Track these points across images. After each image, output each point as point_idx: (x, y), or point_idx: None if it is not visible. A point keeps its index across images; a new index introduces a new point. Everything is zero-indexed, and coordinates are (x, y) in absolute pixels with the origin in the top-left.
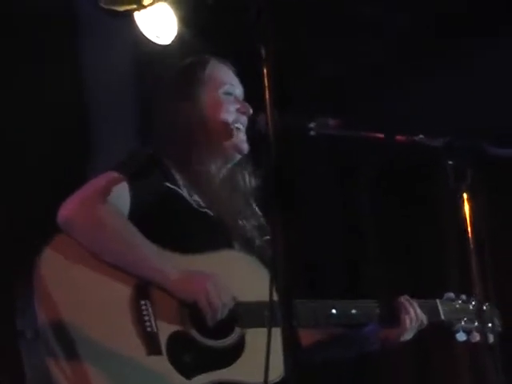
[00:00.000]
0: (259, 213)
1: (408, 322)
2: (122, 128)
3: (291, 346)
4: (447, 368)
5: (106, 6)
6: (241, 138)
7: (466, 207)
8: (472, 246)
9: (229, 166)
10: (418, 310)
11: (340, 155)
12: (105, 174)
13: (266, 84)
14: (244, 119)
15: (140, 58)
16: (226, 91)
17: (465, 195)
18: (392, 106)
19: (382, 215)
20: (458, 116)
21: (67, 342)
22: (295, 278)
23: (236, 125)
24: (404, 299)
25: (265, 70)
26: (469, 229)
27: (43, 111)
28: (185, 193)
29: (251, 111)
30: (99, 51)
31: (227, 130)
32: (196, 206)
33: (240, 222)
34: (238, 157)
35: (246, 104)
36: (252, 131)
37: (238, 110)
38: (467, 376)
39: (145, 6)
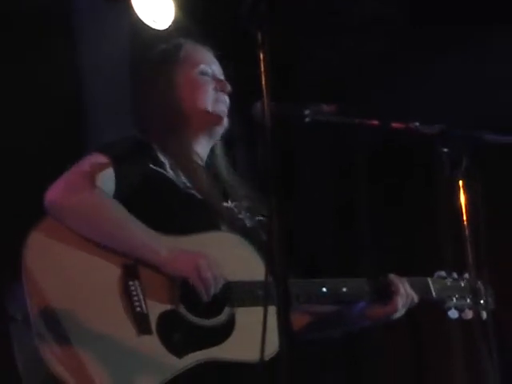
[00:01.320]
0: (252, 193)
1: (398, 299)
2: (118, 114)
3: (286, 323)
4: (440, 345)
5: None
6: (220, 111)
7: (462, 194)
8: (466, 229)
9: (212, 141)
10: (408, 288)
11: (334, 139)
12: (90, 155)
13: (262, 70)
14: (223, 97)
15: (137, 43)
16: (201, 71)
17: (460, 182)
18: (389, 93)
19: (376, 198)
20: (454, 104)
21: (56, 327)
22: (289, 259)
23: (219, 102)
24: (393, 277)
25: (261, 56)
26: (464, 216)
27: (39, 99)
28: (171, 174)
29: (229, 88)
30: (96, 37)
31: (204, 106)
32: (183, 187)
33: (226, 204)
34: (221, 130)
35: (224, 81)
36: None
37: (214, 89)
38: (460, 353)
39: None
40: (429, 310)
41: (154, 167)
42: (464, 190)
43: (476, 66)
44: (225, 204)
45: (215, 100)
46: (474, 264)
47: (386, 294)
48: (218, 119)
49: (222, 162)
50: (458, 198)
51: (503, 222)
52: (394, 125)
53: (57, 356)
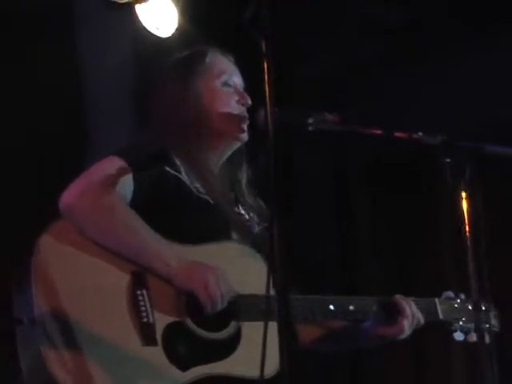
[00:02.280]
0: (260, 201)
1: (404, 320)
2: (119, 119)
3: (287, 340)
4: (443, 367)
5: None
6: (239, 126)
7: (464, 205)
8: (469, 244)
9: (229, 153)
10: (415, 309)
11: (336, 149)
12: (109, 159)
13: (266, 78)
14: (243, 110)
15: (140, 49)
16: (224, 82)
17: (463, 193)
18: (391, 102)
19: (379, 212)
20: (457, 114)
21: (66, 329)
22: (292, 274)
23: (240, 114)
24: (400, 298)
25: (265, 65)
26: (466, 227)
27: (42, 102)
28: (185, 179)
29: (250, 102)
30: (99, 43)
31: (225, 119)
32: (196, 192)
33: (237, 210)
34: (238, 144)
35: (246, 95)
36: (251, 125)
37: (237, 102)
38: (462, 375)
39: None
40: (433, 330)
41: (171, 170)
42: (466, 201)
43: (477, 74)
44: (236, 209)
45: (235, 113)
46: (476, 283)
47: (392, 315)
48: (236, 135)
49: (236, 170)
50: (460, 209)
51: (505, 234)
52: (397, 134)
53: (62, 360)
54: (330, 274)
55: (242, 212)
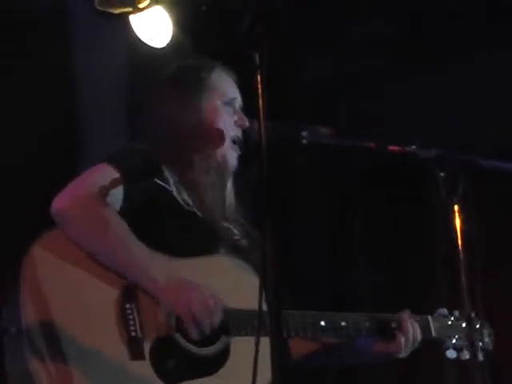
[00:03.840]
0: (242, 220)
1: (402, 338)
2: (112, 129)
3: (279, 355)
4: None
5: (101, 8)
6: (233, 155)
7: (457, 219)
8: (462, 258)
9: (217, 178)
10: (415, 326)
11: (330, 164)
12: (102, 167)
13: (260, 92)
14: (239, 133)
15: (133, 60)
16: (226, 102)
17: (456, 207)
18: (385, 116)
19: (372, 227)
20: (451, 128)
21: (54, 341)
22: (284, 288)
23: (235, 138)
24: (407, 316)
25: (258, 78)
26: (459, 241)
27: (34, 110)
28: (174, 191)
29: (247, 124)
30: (93, 53)
31: (221, 137)
32: (184, 205)
33: (225, 225)
34: (227, 172)
35: (244, 117)
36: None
37: (235, 123)
38: None
39: (140, 9)
40: (425, 347)
41: (160, 182)
42: (459, 214)
43: (469, 87)
44: (224, 224)
45: (232, 135)
46: (469, 300)
47: (389, 332)
48: (227, 164)
49: (224, 185)
50: (454, 223)
51: (498, 248)
52: (391, 148)
53: (48, 372)
54: (322, 286)
55: (230, 227)
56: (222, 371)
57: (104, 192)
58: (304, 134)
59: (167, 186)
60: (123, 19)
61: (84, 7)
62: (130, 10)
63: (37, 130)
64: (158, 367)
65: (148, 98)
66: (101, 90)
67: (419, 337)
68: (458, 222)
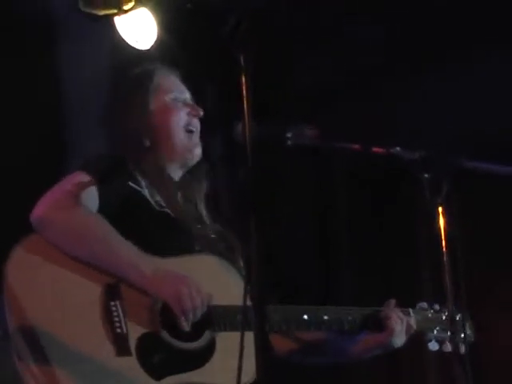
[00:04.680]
0: (218, 226)
1: (392, 324)
2: (97, 130)
3: (263, 350)
4: (417, 377)
5: (85, 10)
6: (194, 142)
7: (441, 220)
8: (446, 257)
9: (184, 170)
10: (402, 315)
11: (315, 162)
12: (73, 174)
13: (244, 92)
14: (196, 122)
15: (118, 62)
16: (173, 97)
17: (440, 208)
18: (370, 117)
19: (356, 224)
20: (435, 130)
21: (35, 346)
22: (269, 284)
23: (189, 127)
24: (393, 305)
25: (243, 79)
26: (443, 241)
27: (20, 111)
28: (147, 193)
29: (201, 113)
30: (78, 55)
31: (178, 133)
32: (157, 207)
33: (199, 226)
34: (193, 162)
35: (196, 106)
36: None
37: (188, 114)
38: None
39: (125, 11)
40: (408, 341)
41: (133, 185)
42: (443, 215)
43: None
44: (198, 226)
45: (188, 125)
46: (452, 294)
47: (377, 325)
48: (189, 151)
49: (195, 188)
50: (438, 224)
51: (481, 248)
52: (375, 149)
53: (33, 374)
54: (308, 284)
55: (204, 228)
56: (208, 365)
57: (77, 193)
58: (289, 135)
59: (140, 189)
60: (108, 21)
61: (69, 9)
62: (115, 11)
63: (22, 130)
64: (145, 362)
65: (112, 107)
66: (87, 91)
67: (414, 324)
68: (441, 222)
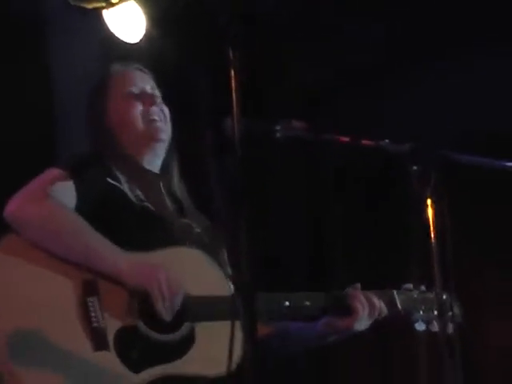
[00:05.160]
0: (200, 214)
1: (359, 308)
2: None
3: (251, 339)
4: (407, 358)
5: (74, 3)
6: (154, 127)
7: (430, 212)
8: (435, 248)
9: (161, 157)
10: (375, 299)
11: (306, 153)
12: (49, 170)
13: (233, 86)
14: (155, 109)
15: (108, 56)
16: (128, 92)
17: (428, 200)
18: (359, 110)
19: (346, 212)
20: (424, 123)
21: (9, 346)
22: (257, 273)
23: (149, 117)
24: (350, 290)
25: (232, 73)
26: (432, 234)
27: (9, 109)
28: (126, 188)
29: (159, 100)
30: (67, 49)
31: (136, 125)
32: (136, 201)
33: (183, 219)
34: (162, 146)
35: (151, 94)
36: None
37: (144, 104)
38: (426, 367)
39: (113, 4)
40: (396, 322)
41: (111, 181)
42: (432, 207)
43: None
44: (181, 220)
45: (145, 115)
46: (440, 278)
47: (344, 307)
48: (151, 136)
49: (175, 181)
50: (426, 215)
51: (470, 238)
52: (364, 142)
53: (4, 377)
54: (296, 272)
55: (188, 221)
56: (187, 356)
57: (49, 188)
58: (278, 127)
59: (119, 185)
60: (97, 14)
61: (58, 3)
62: (103, 4)
63: (14, 126)
64: (124, 356)
65: (86, 107)
66: (76, 85)
67: (383, 305)
68: (430, 214)
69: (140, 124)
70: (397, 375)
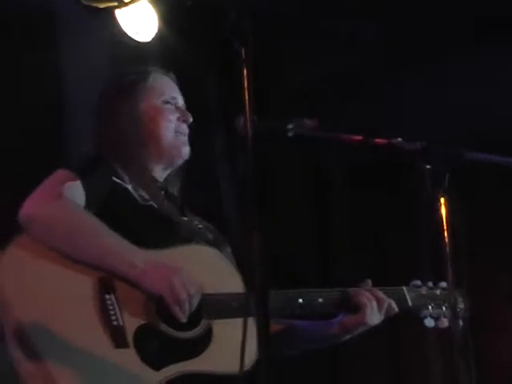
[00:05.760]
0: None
1: (366, 302)
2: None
3: (265, 336)
4: (418, 355)
5: (86, 3)
6: (181, 141)
7: (443, 211)
8: (448, 248)
9: (170, 171)
10: (381, 295)
11: (316, 150)
12: (56, 172)
13: (245, 85)
14: (184, 127)
15: (119, 54)
16: (165, 100)
17: (442, 199)
18: (372, 109)
19: (356, 210)
20: (437, 121)
21: (26, 343)
22: (270, 271)
23: (178, 131)
24: (356, 289)
25: (244, 72)
26: (445, 233)
27: (19, 107)
28: (130, 188)
29: (191, 119)
30: (77, 47)
31: (167, 135)
32: (141, 201)
33: (184, 218)
34: (180, 161)
35: (187, 112)
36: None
37: (178, 119)
38: (439, 363)
39: (126, 4)
40: (407, 321)
41: (117, 180)
42: (445, 206)
43: (454, 85)
44: (184, 218)
45: (177, 130)
46: (453, 277)
47: (351, 305)
48: (177, 151)
49: (173, 189)
50: (440, 215)
51: (484, 238)
52: (377, 141)
53: (28, 371)
54: (307, 270)
55: (192, 220)
56: (205, 353)
57: (61, 189)
58: (290, 126)
59: (124, 183)
60: (109, 14)
61: (70, 2)
62: (116, 4)
63: (22, 124)
64: (143, 354)
65: (100, 107)
66: (87, 84)
67: (392, 302)
68: (443, 214)
69: (170, 137)
70: (409, 371)
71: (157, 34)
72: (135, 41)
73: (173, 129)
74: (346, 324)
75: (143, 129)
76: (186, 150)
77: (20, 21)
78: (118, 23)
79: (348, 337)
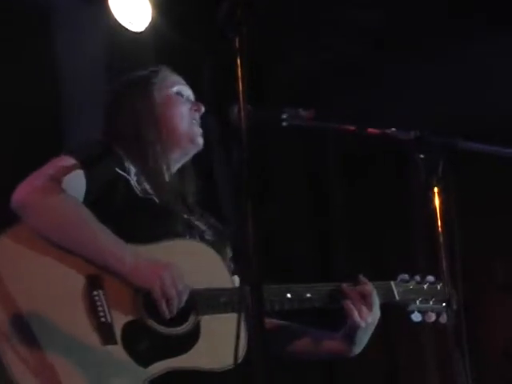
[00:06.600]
0: (210, 218)
1: (352, 309)
2: (94, 117)
3: (259, 332)
4: (413, 350)
5: None
6: (195, 131)
7: (437, 200)
8: (441, 238)
9: (184, 160)
10: (366, 288)
11: (310, 142)
12: (58, 158)
13: (239, 75)
14: (197, 116)
15: (113, 44)
16: (177, 91)
17: (435, 189)
18: (365, 99)
19: (351, 202)
20: (431, 110)
21: (24, 329)
22: (264, 267)
23: (194, 120)
24: (359, 279)
25: (238, 61)
26: (439, 223)
27: (14, 100)
28: (133, 180)
29: (203, 109)
30: (73, 37)
31: (182, 124)
32: (141, 194)
33: (186, 215)
34: (194, 151)
35: (199, 103)
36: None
37: (190, 109)
38: (433, 357)
39: None
40: (402, 317)
41: (120, 171)
42: (439, 196)
43: (450, 74)
44: (185, 216)
45: (191, 120)
46: (447, 270)
47: (338, 301)
48: (192, 139)
49: (188, 185)
50: (433, 204)
51: (477, 227)
52: (370, 130)
53: (21, 357)
54: (303, 265)
55: (192, 217)
56: (194, 349)
57: (60, 177)
58: (284, 116)
59: (127, 176)
60: (102, 3)
61: None
62: None
63: (19, 117)
64: (131, 350)
65: (112, 96)
66: (83, 73)
67: (376, 298)
68: (437, 203)
69: (185, 123)
70: (404, 364)
71: (151, 23)
72: (131, 32)
73: (188, 118)
74: (340, 346)
75: (159, 117)
76: (200, 140)
77: (15, 12)
78: (112, 13)
79: (356, 347)
